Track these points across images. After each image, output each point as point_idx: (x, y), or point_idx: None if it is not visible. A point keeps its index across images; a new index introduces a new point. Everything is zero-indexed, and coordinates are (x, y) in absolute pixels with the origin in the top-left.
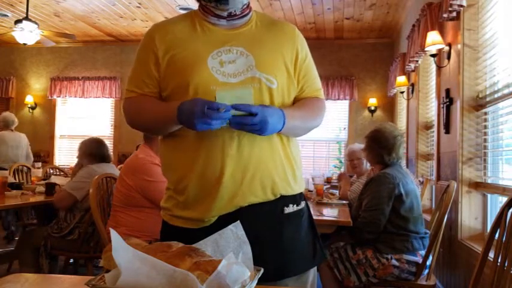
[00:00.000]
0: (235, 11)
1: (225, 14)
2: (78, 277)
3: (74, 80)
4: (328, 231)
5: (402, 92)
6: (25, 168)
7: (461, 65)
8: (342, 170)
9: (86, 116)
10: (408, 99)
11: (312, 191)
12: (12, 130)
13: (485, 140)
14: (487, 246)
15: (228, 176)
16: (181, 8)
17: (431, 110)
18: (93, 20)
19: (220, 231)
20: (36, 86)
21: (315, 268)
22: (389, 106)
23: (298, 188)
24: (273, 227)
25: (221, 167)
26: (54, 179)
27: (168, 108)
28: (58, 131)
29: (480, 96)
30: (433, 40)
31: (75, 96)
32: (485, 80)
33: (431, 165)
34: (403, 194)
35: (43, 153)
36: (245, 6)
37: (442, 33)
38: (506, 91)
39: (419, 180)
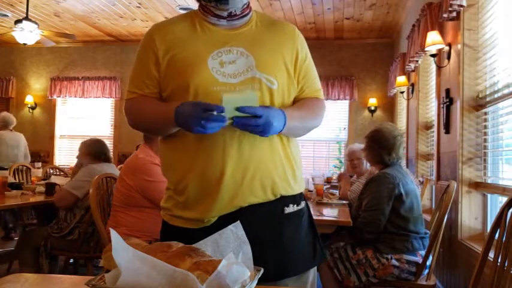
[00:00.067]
0: (235, 11)
1: (225, 14)
2: (78, 277)
3: (74, 80)
4: (328, 231)
5: (402, 92)
6: (25, 168)
7: (461, 65)
8: (342, 170)
9: (86, 116)
10: (408, 99)
11: (312, 191)
12: (11, 130)
13: (485, 140)
14: (487, 246)
15: (228, 176)
16: (181, 8)
17: (431, 110)
18: (93, 20)
19: (220, 231)
20: (36, 86)
21: (315, 268)
22: (389, 106)
23: (298, 188)
24: (273, 227)
25: (222, 167)
26: (54, 179)
27: (166, 110)
28: (58, 131)
29: (480, 96)
30: (433, 40)
31: (75, 96)
32: (485, 80)
33: (431, 165)
34: (403, 194)
35: (43, 153)
36: (245, 6)
37: (442, 33)
38: (506, 91)
39: (419, 180)
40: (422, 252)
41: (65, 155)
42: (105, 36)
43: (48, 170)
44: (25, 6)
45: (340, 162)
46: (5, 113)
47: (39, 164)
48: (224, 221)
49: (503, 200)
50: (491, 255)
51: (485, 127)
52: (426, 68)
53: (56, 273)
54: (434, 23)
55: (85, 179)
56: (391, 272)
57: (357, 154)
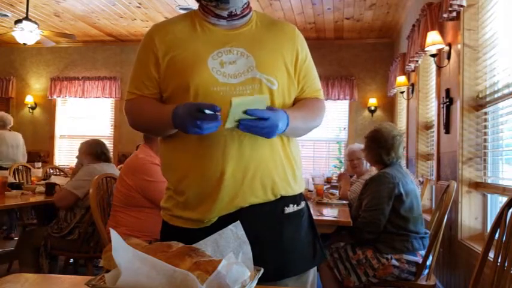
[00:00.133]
0: (235, 10)
1: (225, 13)
2: (78, 277)
3: (74, 80)
4: (328, 231)
5: (402, 92)
6: (25, 168)
7: (461, 65)
8: (342, 170)
9: (86, 116)
10: (408, 99)
11: (312, 191)
12: (9, 130)
13: (485, 140)
14: (487, 246)
15: (228, 176)
16: (181, 8)
17: (431, 110)
18: (93, 20)
19: (220, 231)
20: (36, 86)
21: (315, 268)
22: (389, 106)
23: (298, 188)
24: (273, 227)
25: (222, 168)
26: (54, 179)
27: (165, 112)
28: (58, 131)
29: (480, 96)
30: (433, 40)
31: (75, 96)
32: (485, 80)
33: (431, 165)
34: (402, 194)
35: (43, 153)
36: (245, 5)
37: (442, 33)
38: (506, 91)
39: (419, 180)
40: (422, 252)
41: (65, 155)
42: (105, 36)
43: (48, 170)
44: (25, 6)
45: (340, 162)
46: (2, 113)
47: (39, 164)
48: (224, 221)
49: (503, 200)
50: (491, 255)
51: (485, 127)
52: (426, 68)
53: (56, 273)
54: (434, 23)
55: (85, 178)
56: (391, 272)
57: (356, 154)
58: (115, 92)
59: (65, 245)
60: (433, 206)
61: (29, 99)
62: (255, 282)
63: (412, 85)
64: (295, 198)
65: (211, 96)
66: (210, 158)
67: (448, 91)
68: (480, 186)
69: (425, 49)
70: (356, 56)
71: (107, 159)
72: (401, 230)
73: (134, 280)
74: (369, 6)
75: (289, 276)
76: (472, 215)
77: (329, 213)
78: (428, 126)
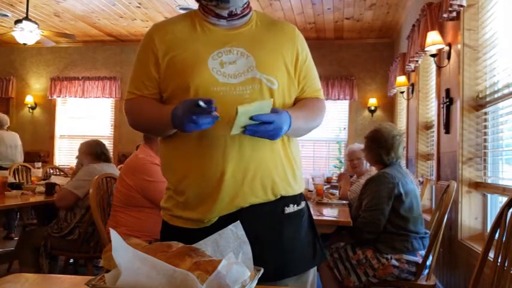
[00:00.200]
0: (236, 10)
1: (225, 13)
2: (78, 277)
3: (74, 80)
4: (328, 231)
5: (402, 92)
6: (25, 168)
7: (461, 65)
8: (342, 170)
9: (86, 116)
10: (408, 99)
11: (312, 191)
12: (6, 130)
13: (485, 140)
14: (487, 246)
15: (229, 177)
16: (181, 8)
17: (431, 110)
18: (93, 20)
19: (220, 231)
20: (36, 86)
21: (315, 268)
22: (389, 106)
23: (298, 188)
24: (273, 227)
25: (222, 168)
26: (54, 179)
27: (164, 112)
28: (58, 131)
29: (480, 96)
30: (433, 40)
31: (75, 96)
32: (485, 80)
33: (431, 165)
34: (402, 194)
35: (43, 153)
36: (245, 5)
37: (442, 33)
38: (506, 91)
39: (419, 180)
40: (422, 252)
41: (65, 155)
42: (105, 36)
43: (48, 170)
44: (25, 6)
45: (340, 162)
46: None
47: (39, 164)
48: (224, 221)
49: (503, 200)
50: (491, 255)
51: (485, 127)
52: (426, 68)
53: (56, 273)
54: (434, 23)
55: (85, 178)
56: (391, 272)
57: (356, 154)
58: (115, 92)
59: (65, 245)
60: (433, 206)
61: (29, 99)
62: (255, 282)
63: (412, 85)
64: (295, 198)
65: (211, 96)
66: (210, 158)
67: (448, 91)
68: (480, 186)
69: (425, 49)
70: (356, 56)
71: (106, 159)
72: (401, 230)
73: (134, 280)
74: (369, 6)
75: (289, 276)
76: (472, 215)
77: (329, 213)
78: (428, 126)
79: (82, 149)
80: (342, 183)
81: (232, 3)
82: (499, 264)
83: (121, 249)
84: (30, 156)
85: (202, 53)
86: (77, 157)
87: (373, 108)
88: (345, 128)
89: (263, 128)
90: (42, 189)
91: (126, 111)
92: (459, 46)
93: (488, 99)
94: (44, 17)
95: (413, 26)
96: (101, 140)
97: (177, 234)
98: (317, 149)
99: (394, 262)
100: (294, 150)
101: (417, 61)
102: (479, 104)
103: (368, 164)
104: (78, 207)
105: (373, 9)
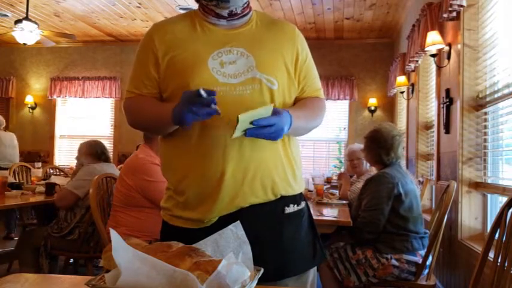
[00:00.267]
0: (236, 10)
1: (226, 13)
2: (78, 277)
3: (74, 80)
4: (328, 231)
5: (402, 92)
6: (25, 168)
7: (461, 65)
8: (342, 170)
9: (86, 116)
10: (408, 99)
11: (312, 191)
12: (4, 130)
13: (485, 140)
14: (487, 246)
15: (229, 177)
16: (181, 8)
17: (431, 110)
18: (93, 20)
19: (220, 231)
20: (36, 86)
21: (315, 268)
22: (389, 106)
23: (298, 188)
24: (273, 227)
25: (222, 168)
26: (54, 179)
27: (164, 110)
28: (58, 131)
29: (480, 96)
30: (433, 40)
31: (75, 96)
32: (485, 80)
33: (431, 165)
34: (402, 194)
35: (43, 153)
36: (245, 5)
37: (442, 33)
38: (506, 91)
39: (419, 180)
40: (422, 252)
41: (65, 155)
42: (105, 36)
43: (48, 170)
44: (25, 6)
45: (340, 162)
46: None
47: (39, 164)
48: (224, 221)
49: (503, 200)
50: (491, 255)
51: (485, 127)
52: (426, 68)
53: (56, 273)
54: (434, 23)
55: (85, 178)
56: (391, 272)
57: (356, 154)
58: (115, 92)
59: (65, 245)
60: (433, 206)
61: (29, 99)
62: (255, 282)
63: (412, 85)
64: (296, 198)
65: None
66: (211, 158)
67: (448, 91)
68: (480, 186)
69: (425, 49)
70: (356, 56)
71: (106, 159)
72: (400, 230)
73: (134, 280)
74: (369, 6)
75: (289, 276)
76: (472, 215)
77: (329, 213)
78: (428, 126)
79: (82, 149)
80: (342, 182)
81: (232, 3)
82: (499, 264)
83: (121, 249)
84: (30, 156)
85: (202, 53)
86: (77, 158)
87: (373, 108)
88: (345, 128)
89: (264, 131)
90: (42, 189)
91: (125, 109)
92: (459, 46)
93: (488, 99)
94: (44, 17)
95: (413, 26)
96: (101, 140)
97: (177, 234)
98: (317, 149)
99: (394, 262)
100: (294, 150)
101: (417, 61)
102: (479, 104)
103: (368, 164)
104: (78, 207)
105: (373, 9)
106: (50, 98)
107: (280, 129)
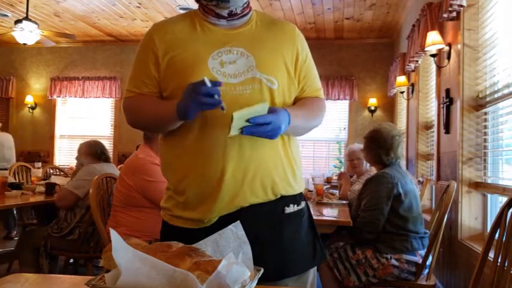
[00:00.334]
0: (236, 9)
1: (226, 12)
2: (78, 277)
3: (74, 80)
4: (328, 231)
5: (402, 92)
6: (25, 168)
7: (461, 65)
8: (342, 170)
9: (86, 116)
10: (408, 99)
11: (312, 191)
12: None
13: (485, 140)
14: (487, 246)
15: (229, 177)
16: (181, 8)
17: (431, 110)
18: (93, 20)
19: (220, 231)
20: (36, 86)
21: (315, 268)
22: (389, 106)
23: (298, 188)
24: (273, 227)
25: (222, 168)
26: (54, 179)
27: (167, 106)
28: (58, 131)
29: (480, 96)
30: (433, 40)
31: (75, 96)
32: (485, 80)
33: (431, 165)
34: (401, 194)
35: (43, 153)
36: (245, 5)
37: (442, 33)
38: (506, 91)
39: (419, 180)
40: (422, 252)
41: (65, 155)
42: (105, 36)
43: (48, 170)
44: (25, 6)
45: (340, 162)
46: None
47: (39, 164)
48: (224, 221)
49: (503, 200)
50: (491, 255)
51: (485, 127)
52: (426, 68)
53: (56, 273)
54: (434, 23)
55: (85, 178)
56: (390, 272)
57: (356, 154)
58: (115, 92)
59: (65, 245)
60: (433, 206)
61: (29, 99)
62: (255, 282)
63: (412, 85)
64: (296, 198)
65: None
66: (211, 158)
67: (448, 91)
68: (480, 186)
69: (425, 49)
70: (356, 56)
71: (106, 159)
72: (400, 229)
73: (134, 280)
74: (369, 6)
75: (289, 276)
76: (472, 215)
77: (329, 213)
78: (428, 126)
79: (82, 149)
80: (342, 181)
81: (232, 3)
82: (499, 264)
83: (121, 249)
84: (30, 156)
85: (202, 53)
86: (77, 158)
87: (373, 108)
88: (345, 128)
89: (261, 129)
90: (42, 189)
91: (125, 108)
92: (459, 46)
93: (488, 99)
94: (44, 17)
95: (413, 26)
96: (101, 140)
97: (177, 234)
98: (317, 149)
99: (393, 262)
100: (294, 150)
101: (417, 61)
102: (479, 104)
103: (368, 164)
104: (78, 207)
105: (373, 9)
106: (50, 98)
107: (277, 128)
